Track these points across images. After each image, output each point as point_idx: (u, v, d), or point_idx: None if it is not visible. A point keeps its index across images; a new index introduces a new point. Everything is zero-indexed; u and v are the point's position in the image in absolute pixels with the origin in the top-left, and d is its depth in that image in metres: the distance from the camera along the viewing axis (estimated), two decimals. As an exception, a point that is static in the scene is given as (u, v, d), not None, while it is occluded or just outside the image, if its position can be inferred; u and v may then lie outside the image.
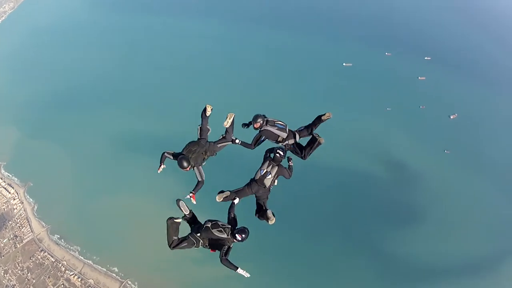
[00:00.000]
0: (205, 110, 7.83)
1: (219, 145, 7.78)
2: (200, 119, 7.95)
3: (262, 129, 7.60)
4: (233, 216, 7.32)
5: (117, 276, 40.14)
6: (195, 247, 7.25)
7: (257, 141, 7.89)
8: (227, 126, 7.79)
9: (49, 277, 41.96)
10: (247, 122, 8.00)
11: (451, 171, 45.88)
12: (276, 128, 7.59)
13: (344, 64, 55.11)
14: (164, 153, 7.61)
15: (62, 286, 41.31)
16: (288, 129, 7.74)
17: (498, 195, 44.56)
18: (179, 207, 7.47)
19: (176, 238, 7.31)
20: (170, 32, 62.06)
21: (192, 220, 7.60)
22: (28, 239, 44.19)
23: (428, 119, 49.53)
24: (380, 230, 41.52)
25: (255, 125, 7.59)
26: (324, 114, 7.58)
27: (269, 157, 7.44)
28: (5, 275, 42.99)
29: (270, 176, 7.24)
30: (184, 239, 7.29)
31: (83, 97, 52.92)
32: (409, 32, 61.98)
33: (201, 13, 65.51)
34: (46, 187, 45.70)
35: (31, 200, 45.70)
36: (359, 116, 47.40)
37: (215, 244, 7.01)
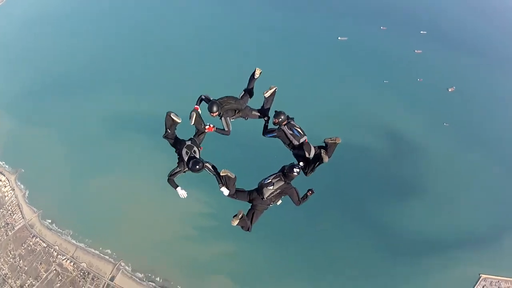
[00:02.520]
0: (253, 73, 7.90)
1: (253, 112, 7.79)
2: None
3: (281, 127, 7.49)
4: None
5: (110, 258, 38.59)
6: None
7: (268, 132, 7.79)
8: (266, 96, 7.81)
9: (41, 263, 40.35)
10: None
11: (450, 143, 44.28)
12: (291, 133, 7.42)
13: (339, 38, 53.76)
14: (201, 95, 7.63)
15: (55, 271, 39.68)
16: (304, 141, 7.47)
17: (497, 167, 43.09)
18: (172, 117, 7.18)
19: (170, 132, 7.23)
20: (157, 14, 60.69)
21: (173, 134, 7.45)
22: (20, 225, 42.60)
23: (426, 91, 48.06)
24: (379, 204, 39.93)
25: (274, 120, 7.41)
26: (327, 139, 7.27)
27: (282, 171, 6.95)
28: (-3, 264, 41.52)
29: (271, 187, 6.85)
30: (179, 140, 7.30)
31: (71, 83, 51.32)
32: (405, 6, 60.18)
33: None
34: (37, 173, 44.08)
35: (22, 186, 44.08)
36: (355, 89, 45.93)
37: (178, 160, 6.98)
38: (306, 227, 38.02)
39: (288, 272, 36.28)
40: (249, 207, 7.39)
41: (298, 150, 7.51)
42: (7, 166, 46.03)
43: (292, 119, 7.63)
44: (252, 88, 8.08)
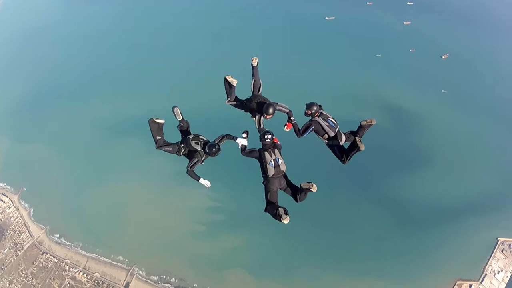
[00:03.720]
0: (251, 63, 7.87)
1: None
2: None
3: (314, 119, 7.35)
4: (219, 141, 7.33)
5: (122, 265, 37.82)
6: (177, 153, 7.33)
7: (305, 130, 7.50)
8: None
9: (54, 279, 39.58)
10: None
11: (451, 109, 43.53)
12: (327, 124, 7.34)
13: (326, 18, 52.92)
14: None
15: (68, 285, 38.92)
16: (337, 130, 7.47)
17: (499, 131, 42.29)
18: (173, 113, 7.44)
19: (160, 137, 7.28)
20: (143, 15, 59.92)
21: (185, 130, 7.58)
22: (29, 244, 41.84)
23: (420, 61, 47.33)
24: (388, 178, 39.21)
25: (307, 112, 7.30)
26: (363, 121, 7.32)
27: (263, 148, 6.89)
28: (10, 286, 40.67)
29: (280, 160, 6.82)
30: (170, 143, 7.36)
31: (59, 92, 50.64)
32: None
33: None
34: (39, 189, 43.24)
35: (26, 205, 43.30)
36: (349, 67, 45.13)
37: (191, 155, 7.09)
38: (315, 208, 37.10)
39: (303, 256, 35.45)
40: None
41: (333, 140, 7.48)
42: (8, 187, 45.21)
43: (321, 107, 7.46)
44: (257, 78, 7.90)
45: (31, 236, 42.04)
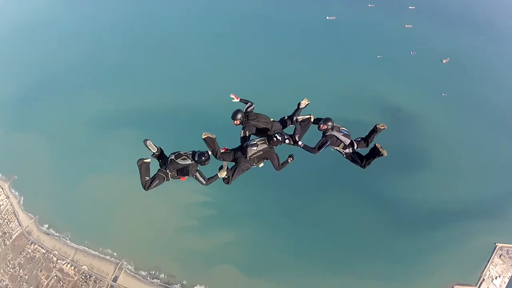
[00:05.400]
0: (299, 103, 7.84)
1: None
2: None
3: (328, 133, 7.42)
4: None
5: (111, 258, 36.25)
6: (166, 181, 7.35)
7: (321, 146, 7.49)
8: (299, 120, 7.63)
9: (41, 270, 37.99)
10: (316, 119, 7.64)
11: (450, 113, 42.57)
12: (342, 134, 7.42)
13: (327, 17, 52.03)
14: (242, 99, 7.92)
15: (55, 277, 37.30)
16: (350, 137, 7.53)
17: (501, 134, 41.40)
18: (147, 146, 7.40)
19: (148, 178, 7.32)
20: (139, 12, 58.94)
21: (160, 156, 7.53)
22: (17, 233, 40.25)
23: (421, 64, 46.45)
24: (385, 179, 37.86)
25: (322, 126, 7.38)
26: (377, 125, 7.45)
27: (268, 136, 7.07)
28: (-3, 276, 39.16)
29: (255, 148, 6.99)
30: (154, 177, 7.33)
31: (55, 85, 49.52)
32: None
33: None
34: (31, 178, 41.74)
35: (17, 193, 41.79)
36: (349, 66, 44.08)
37: (184, 172, 7.07)
38: (309, 207, 35.92)
39: (295, 255, 34.08)
40: (234, 164, 7.33)
41: (349, 148, 7.50)
42: (0, 174, 43.83)
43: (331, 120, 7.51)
44: (294, 118, 7.76)
45: (20, 225, 40.49)
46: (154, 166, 7.60)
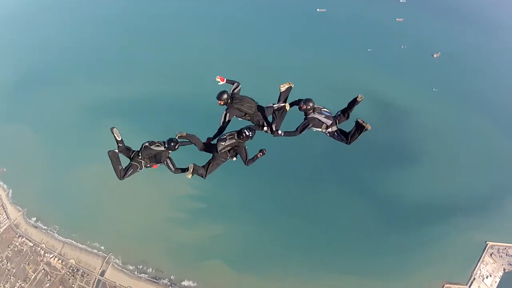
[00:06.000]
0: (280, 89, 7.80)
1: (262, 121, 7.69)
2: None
3: (310, 116, 7.34)
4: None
5: (98, 252, 35.91)
6: (139, 170, 7.48)
7: (304, 128, 7.41)
8: (282, 90, 7.62)
9: (29, 264, 37.61)
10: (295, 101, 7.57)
11: (442, 108, 42.16)
12: (324, 116, 7.34)
13: (317, 10, 51.39)
14: (230, 80, 7.80)
15: (43, 271, 36.94)
16: (332, 117, 7.44)
17: (493, 129, 41.10)
18: (113, 134, 7.56)
19: (121, 167, 7.38)
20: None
21: (126, 150, 7.66)
22: (5, 226, 39.79)
23: (411, 58, 45.95)
24: (376, 174, 37.78)
25: (302, 106, 7.31)
26: (357, 97, 7.34)
27: (240, 132, 7.05)
28: (-16, 270, 38.71)
29: (224, 143, 7.07)
30: (128, 166, 7.44)
31: (41, 75, 48.93)
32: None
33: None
34: (19, 170, 41.22)
35: (5, 186, 41.27)
36: (339, 60, 43.52)
37: (157, 158, 7.32)
38: (301, 201, 35.54)
39: (284, 249, 33.73)
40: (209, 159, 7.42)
41: (331, 127, 7.39)
42: (-13, 167, 43.33)
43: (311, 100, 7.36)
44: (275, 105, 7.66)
45: (8, 218, 40.04)
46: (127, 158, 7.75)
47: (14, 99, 47.05)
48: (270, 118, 7.68)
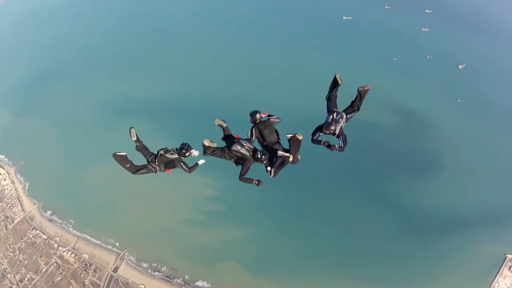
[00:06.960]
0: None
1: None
2: None
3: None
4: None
5: (113, 248, 35.22)
6: (153, 173, 7.90)
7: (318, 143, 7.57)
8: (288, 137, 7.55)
9: (41, 256, 37.03)
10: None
11: (466, 119, 41.13)
12: (341, 124, 7.41)
13: (343, 17, 50.91)
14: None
15: (55, 264, 36.31)
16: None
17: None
18: (129, 133, 7.73)
19: (129, 165, 7.74)
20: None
21: (144, 149, 7.85)
22: (20, 218, 39.38)
23: (437, 68, 44.98)
24: (396, 183, 36.76)
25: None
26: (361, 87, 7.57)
27: (256, 151, 7.36)
28: (-4, 259, 38.23)
29: (239, 148, 7.34)
30: (143, 166, 7.83)
31: (63, 72, 48.98)
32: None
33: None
34: (37, 164, 40.96)
35: (22, 178, 40.94)
36: (365, 67, 42.52)
37: (170, 165, 7.79)
38: (319, 207, 34.60)
39: (301, 255, 32.77)
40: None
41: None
42: (6, 159, 42.93)
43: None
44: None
45: (23, 210, 39.65)
46: (135, 158, 7.91)
47: (34, 93, 47.18)
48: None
